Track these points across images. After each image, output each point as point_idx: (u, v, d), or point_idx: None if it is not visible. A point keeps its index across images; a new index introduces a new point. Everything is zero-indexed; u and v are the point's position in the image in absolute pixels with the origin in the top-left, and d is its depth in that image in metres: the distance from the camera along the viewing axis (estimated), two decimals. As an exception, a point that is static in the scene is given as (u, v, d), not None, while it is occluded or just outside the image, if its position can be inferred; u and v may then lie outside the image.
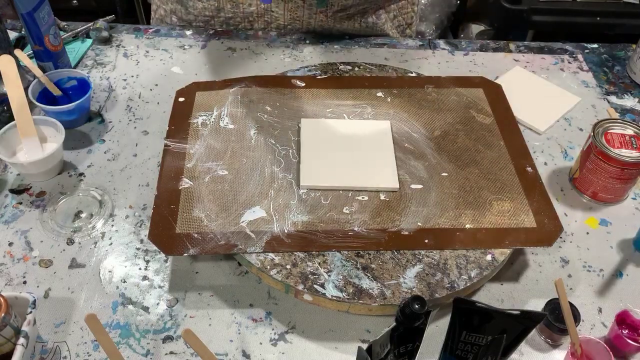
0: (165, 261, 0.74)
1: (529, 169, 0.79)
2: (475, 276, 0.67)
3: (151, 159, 0.86)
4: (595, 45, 1.10)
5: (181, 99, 0.88)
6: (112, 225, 0.77)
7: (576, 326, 0.62)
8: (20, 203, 0.79)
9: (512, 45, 1.09)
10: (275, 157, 0.80)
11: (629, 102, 0.99)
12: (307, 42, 1.07)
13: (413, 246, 0.70)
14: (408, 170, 0.79)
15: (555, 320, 0.65)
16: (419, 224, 0.72)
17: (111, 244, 0.75)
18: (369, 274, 0.67)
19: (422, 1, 1.91)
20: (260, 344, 0.66)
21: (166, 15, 1.11)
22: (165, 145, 0.80)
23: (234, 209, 0.73)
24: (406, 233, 0.71)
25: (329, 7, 1.02)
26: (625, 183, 0.79)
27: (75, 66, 1.00)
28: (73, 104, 0.86)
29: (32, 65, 0.89)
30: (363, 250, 0.69)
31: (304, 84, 0.91)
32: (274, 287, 0.69)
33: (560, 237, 0.77)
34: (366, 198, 0.75)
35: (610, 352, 0.61)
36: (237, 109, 0.86)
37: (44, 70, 0.91)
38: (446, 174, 0.78)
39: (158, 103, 0.95)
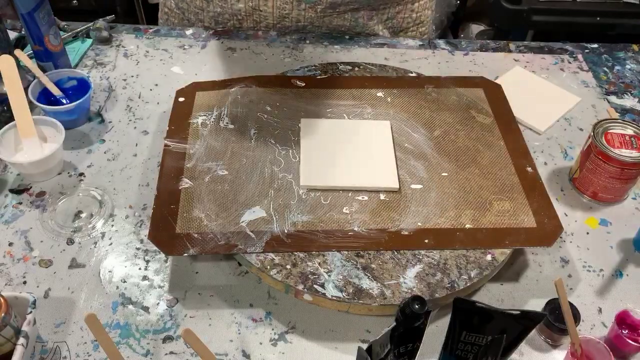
0: (165, 261, 0.74)
1: (529, 168, 0.79)
2: (475, 276, 0.67)
3: (151, 159, 0.86)
4: (595, 45, 1.10)
5: (181, 99, 0.88)
6: (112, 225, 0.77)
7: (576, 326, 0.62)
8: (20, 203, 0.79)
9: (512, 45, 1.09)
10: (275, 157, 0.80)
11: (629, 102, 0.99)
12: (307, 42, 1.07)
13: (413, 246, 0.70)
14: (408, 170, 0.79)
15: (555, 320, 0.65)
16: (419, 223, 0.72)
17: (111, 244, 0.75)
18: (368, 274, 0.67)
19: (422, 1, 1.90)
20: (260, 344, 0.66)
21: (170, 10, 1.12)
22: (165, 145, 0.80)
23: (234, 209, 0.73)
24: (406, 233, 0.71)
25: (317, 2, 1.02)
26: (625, 183, 0.79)
27: (75, 66, 1.00)
28: (73, 104, 0.86)
29: (32, 65, 0.89)
30: (363, 250, 0.69)
31: (304, 84, 0.91)
32: (274, 287, 0.69)
33: (560, 237, 0.77)
34: (366, 198, 0.75)
35: (610, 352, 0.61)
36: (237, 109, 0.86)
37: (44, 70, 0.91)
38: (446, 174, 0.78)
39: (158, 103, 0.95)
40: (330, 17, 1.05)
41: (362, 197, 0.75)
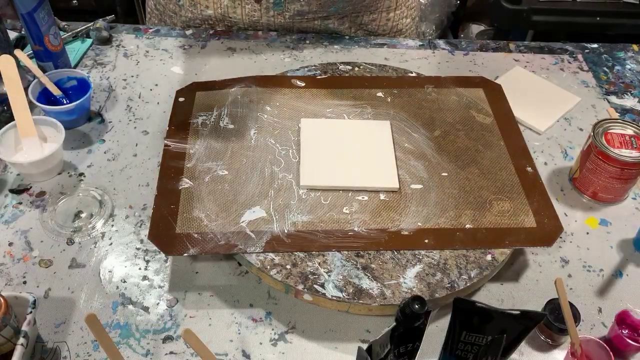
0: (165, 261, 0.74)
1: (529, 168, 0.79)
2: (475, 276, 0.67)
3: (151, 159, 0.86)
4: (595, 45, 1.10)
5: (181, 99, 0.88)
6: (112, 225, 0.77)
7: (576, 326, 0.62)
8: (20, 203, 0.79)
9: (512, 45, 1.09)
10: (275, 157, 0.80)
11: (629, 102, 0.99)
12: (307, 42, 1.07)
13: (413, 246, 0.70)
14: (408, 170, 0.79)
15: (555, 320, 0.65)
16: (419, 223, 0.72)
17: (111, 244, 0.75)
18: (368, 274, 0.67)
19: (422, 1, 1.91)
20: (260, 344, 0.66)
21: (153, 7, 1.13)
22: (165, 145, 0.80)
23: (234, 209, 0.73)
24: (406, 233, 0.71)
25: (285, 9, 1.03)
26: (625, 183, 0.79)
27: (75, 66, 1.01)
28: (73, 104, 0.86)
29: (32, 65, 0.89)
30: (363, 250, 0.69)
31: (304, 84, 0.91)
32: (274, 287, 0.69)
33: (560, 237, 0.77)
34: (366, 198, 0.75)
35: (610, 352, 0.61)
36: (237, 109, 0.86)
37: (44, 70, 0.91)
38: (446, 174, 0.78)
39: (158, 103, 0.95)
40: (300, 23, 1.06)
41: (362, 197, 0.75)
